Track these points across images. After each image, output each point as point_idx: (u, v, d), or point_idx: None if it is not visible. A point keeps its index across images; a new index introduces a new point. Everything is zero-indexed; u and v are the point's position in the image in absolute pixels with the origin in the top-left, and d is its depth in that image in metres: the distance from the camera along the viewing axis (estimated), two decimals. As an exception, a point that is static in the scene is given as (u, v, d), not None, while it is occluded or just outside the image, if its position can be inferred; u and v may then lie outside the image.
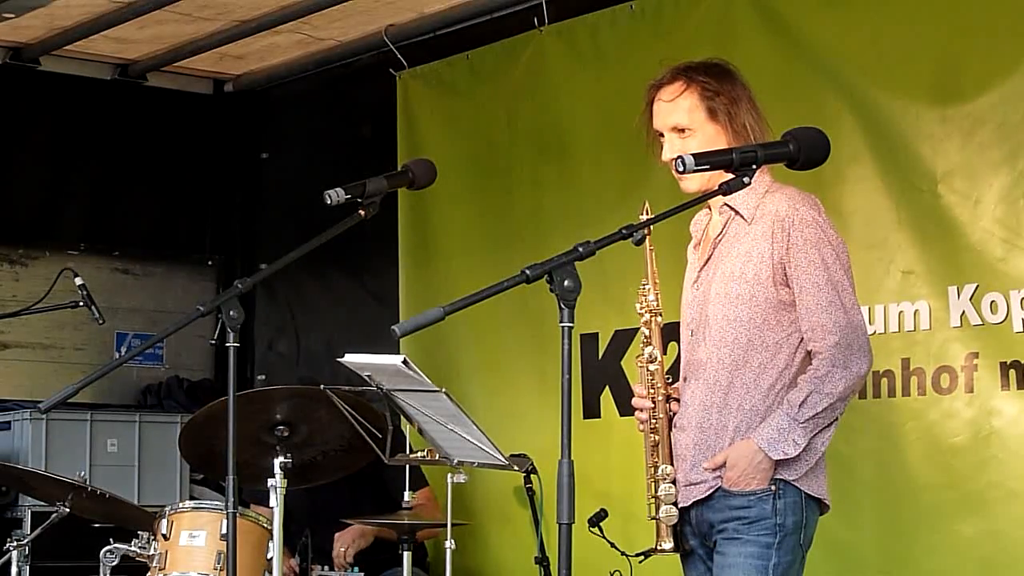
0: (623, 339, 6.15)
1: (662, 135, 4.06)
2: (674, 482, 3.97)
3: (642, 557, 4.05)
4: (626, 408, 6.12)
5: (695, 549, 4.02)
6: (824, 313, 3.88)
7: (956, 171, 5.21)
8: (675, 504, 3.96)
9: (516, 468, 5.12)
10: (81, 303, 6.45)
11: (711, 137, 3.98)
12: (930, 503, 5.22)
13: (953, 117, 5.22)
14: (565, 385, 3.28)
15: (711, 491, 3.93)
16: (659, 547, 3.97)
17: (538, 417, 6.29)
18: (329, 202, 4.07)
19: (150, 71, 7.87)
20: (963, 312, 5.13)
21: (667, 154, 4.01)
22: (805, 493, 3.91)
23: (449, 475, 4.88)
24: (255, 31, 7.21)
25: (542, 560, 6.11)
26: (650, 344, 4.02)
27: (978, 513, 5.08)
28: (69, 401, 4.15)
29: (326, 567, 5.79)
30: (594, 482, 6.04)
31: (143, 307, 7.98)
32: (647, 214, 3.92)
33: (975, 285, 5.12)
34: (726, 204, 4.00)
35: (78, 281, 6.42)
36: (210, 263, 8.27)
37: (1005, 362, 5.03)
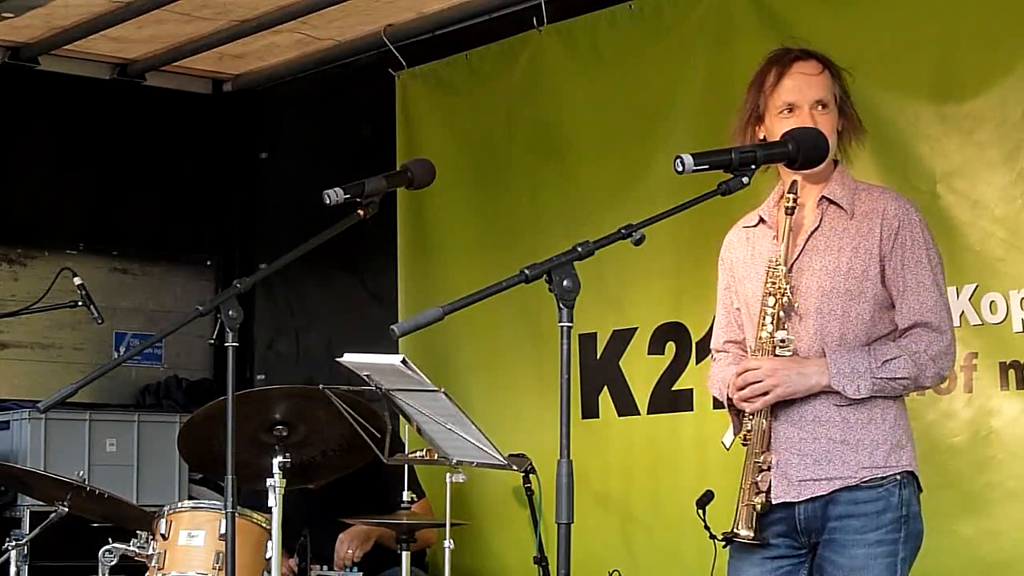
0: (621, 339, 6.14)
1: (789, 109, 3.91)
2: (768, 469, 3.88)
3: (725, 542, 3.96)
4: (624, 408, 6.12)
5: (778, 545, 3.90)
6: (931, 313, 3.86)
7: (955, 171, 5.21)
8: (767, 493, 3.87)
9: (515, 468, 5.10)
10: (80, 303, 6.45)
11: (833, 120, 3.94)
12: (929, 503, 5.16)
13: (952, 116, 5.22)
14: (564, 385, 3.28)
15: (833, 489, 3.84)
16: (736, 533, 3.86)
17: (537, 417, 6.29)
18: (328, 202, 4.06)
19: (149, 71, 7.87)
20: (962, 312, 5.12)
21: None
22: (917, 480, 3.90)
23: (448, 475, 4.88)
24: (254, 31, 7.21)
25: (540, 560, 6.11)
26: (781, 328, 3.89)
27: (977, 513, 5.08)
28: (68, 401, 4.15)
29: (325, 567, 5.78)
30: (593, 482, 6.04)
31: (142, 307, 7.98)
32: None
33: (974, 285, 5.12)
34: (824, 197, 3.92)
35: (77, 281, 6.42)
36: (209, 263, 8.27)
37: (1004, 362, 5.03)
